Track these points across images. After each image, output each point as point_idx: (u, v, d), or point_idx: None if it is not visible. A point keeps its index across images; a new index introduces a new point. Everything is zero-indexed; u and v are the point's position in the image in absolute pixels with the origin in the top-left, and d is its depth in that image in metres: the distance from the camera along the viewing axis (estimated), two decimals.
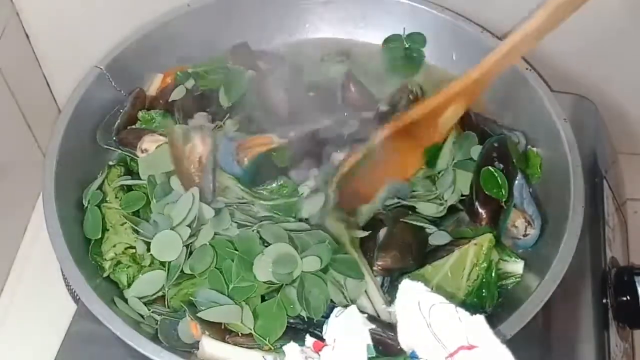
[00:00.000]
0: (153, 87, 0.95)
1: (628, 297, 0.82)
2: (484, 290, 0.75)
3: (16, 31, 1.03)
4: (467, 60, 0.94)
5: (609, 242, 0.87)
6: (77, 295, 0.73)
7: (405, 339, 0.65)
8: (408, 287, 0.66)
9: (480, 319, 0.62)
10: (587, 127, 0.87)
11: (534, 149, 0.88)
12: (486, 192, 0.80)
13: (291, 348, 0.67)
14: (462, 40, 0.95)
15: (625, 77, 1.06)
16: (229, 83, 0.92)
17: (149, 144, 0.84)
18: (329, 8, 1.00)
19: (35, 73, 1.10)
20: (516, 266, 0.78)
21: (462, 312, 0.63)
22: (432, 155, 0.85)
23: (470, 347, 0.61)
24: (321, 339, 0.67)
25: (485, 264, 0.75)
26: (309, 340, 0.67)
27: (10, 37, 1.01)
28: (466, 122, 0.87)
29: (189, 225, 0.75)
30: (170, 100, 0.91)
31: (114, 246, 0.77)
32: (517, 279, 0.78)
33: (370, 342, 0.64)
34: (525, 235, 0.81)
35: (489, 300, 0.75)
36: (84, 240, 0.79)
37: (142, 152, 0.84)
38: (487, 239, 0.75)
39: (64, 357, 0.77)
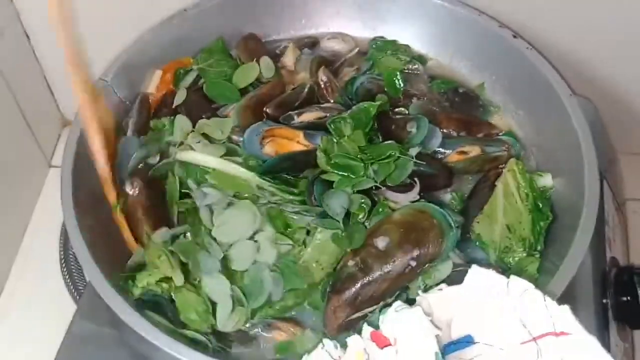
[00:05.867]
0: (153, 84, 0.95)
1: (628, 297, 0.82)
2: (539, 204, 0.81)
3: (16, 31, 1.03)
4: (464, 51, 0.98)
5: (608, 242, 0.87)
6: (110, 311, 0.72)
7: (462, 324, 0.65)
8: (479, 273, 0.67)
9: (566, 308, 0.63)
10: None
11: None
12: None
13: (354, 340, 0.65)
14: (460, 27, 0.96)
15: (625, 77, 1.06)
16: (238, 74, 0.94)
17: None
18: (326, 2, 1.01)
19: (36, 73, 1.10)
20: (545, 179, 0.84)
21: (549, 300, 0.64)
22: None
23: (558, 334, 0.61)
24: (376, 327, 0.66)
25: (525, 183, 0.81)
26: (367, 329, 0.66)
27: (10, 38, 1.01)
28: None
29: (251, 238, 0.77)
30: (174, 106, 0.91)
31: (150, 275, 0.76)
32: (552, 190, 0.84)
33: (437, 349, 0.62)
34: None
35: (547, 210, 0.81)
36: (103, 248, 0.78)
37: None
38: (513, 162, 0.83)
39: (64, 357, 0.77)
